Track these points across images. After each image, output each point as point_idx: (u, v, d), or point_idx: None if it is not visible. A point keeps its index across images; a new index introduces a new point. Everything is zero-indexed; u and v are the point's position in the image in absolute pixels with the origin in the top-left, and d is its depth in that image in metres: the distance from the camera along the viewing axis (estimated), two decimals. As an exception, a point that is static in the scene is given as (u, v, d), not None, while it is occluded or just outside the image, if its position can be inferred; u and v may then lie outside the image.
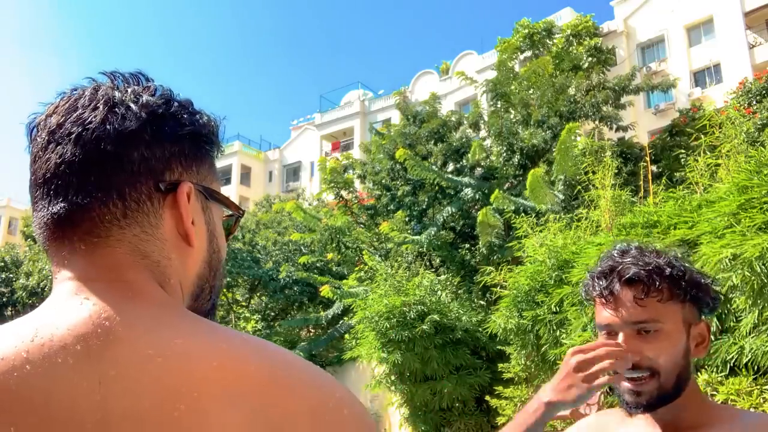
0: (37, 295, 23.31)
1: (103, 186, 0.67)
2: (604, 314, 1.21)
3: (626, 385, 1.17)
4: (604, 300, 1.22)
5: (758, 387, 4.47)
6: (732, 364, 4.55)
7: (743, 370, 4.49)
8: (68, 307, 0.63)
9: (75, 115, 0.68)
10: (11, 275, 25.03)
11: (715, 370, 4.67)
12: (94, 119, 0.67)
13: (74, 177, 0.66)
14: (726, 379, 4.61)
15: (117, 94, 0.70)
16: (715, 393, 4.61)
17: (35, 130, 0.70)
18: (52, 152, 0.67)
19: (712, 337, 4.69)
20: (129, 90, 0.71)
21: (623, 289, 1.19)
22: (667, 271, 1.19)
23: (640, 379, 1.16)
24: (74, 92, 0.71)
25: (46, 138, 0.68)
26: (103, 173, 0.67)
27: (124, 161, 0.67)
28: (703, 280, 1.23)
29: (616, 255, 1.25)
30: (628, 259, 1.22)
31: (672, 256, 1.24)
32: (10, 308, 24.54)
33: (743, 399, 4.46)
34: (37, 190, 0.69)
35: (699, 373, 4.68)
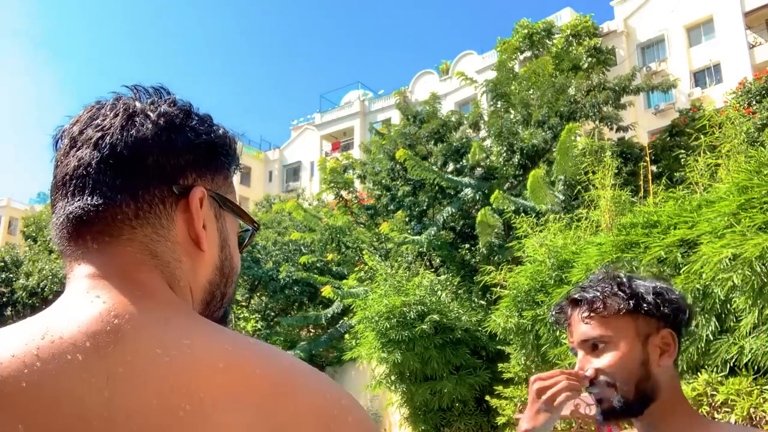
0: (37, 295, 23.31)
1: (116, 187, 0.69)
2: (569, 338, 1.32)
3: (593, 398, 1.24)
4: (564, 325, 1.33)
5: (758, 387, 4.47)
6: (732, 364, 4.56)
7: (743, 370, 4.50)
8: (79, 305, 0.64)
9: (96, 122, 0.72)
10: (11, 275, 25.01)
11: (715, 370, 4.67)
12: (113, 125, 0.71)
13: (90, 179, 0.69)
14: (726, 379, 4.61)
15: (137, 104, 0.73)
16: (715, 393, 4.62)
17: (60, 139, 0.74)
18: (72, 156, 0.70)
19: (711, 337, 4.71)
20: (149, 101, 0.75)
21: (573, 311, 1.29)
22: (609, 289, 1.26)
23: (599, 393, 1.24)
24: (98, 104, 0.75)
25: (68, 143, 0.72)
26: (118, 175, 0.69)
27: (138, 165, 0.70)
28: (654, 294, 1.27)
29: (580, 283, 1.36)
30: (584, 284, 1.32)
31: (624, 275, 1.31)
32: (10, 308, 24.53)
33: (743, 399, 4.46)
34: (56, 193, 0.72)
35: (699, 373, 4.69)
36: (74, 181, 0.69)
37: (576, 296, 1.28)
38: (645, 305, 1.25)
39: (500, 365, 9.09)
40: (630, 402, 1.21)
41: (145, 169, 0.70)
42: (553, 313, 1.35)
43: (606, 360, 1.22)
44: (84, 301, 0.64)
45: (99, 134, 0.70)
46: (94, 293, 0.65)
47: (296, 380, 0.63)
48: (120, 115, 0.71)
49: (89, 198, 0.69)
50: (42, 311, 0.65)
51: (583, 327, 1.25)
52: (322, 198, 23.02)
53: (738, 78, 19.74)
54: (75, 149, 0.71)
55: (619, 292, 1.25)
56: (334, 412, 0.62)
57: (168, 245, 0.71)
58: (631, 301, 1.24)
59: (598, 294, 1.26)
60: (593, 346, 1.24)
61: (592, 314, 1.25)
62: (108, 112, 0.72)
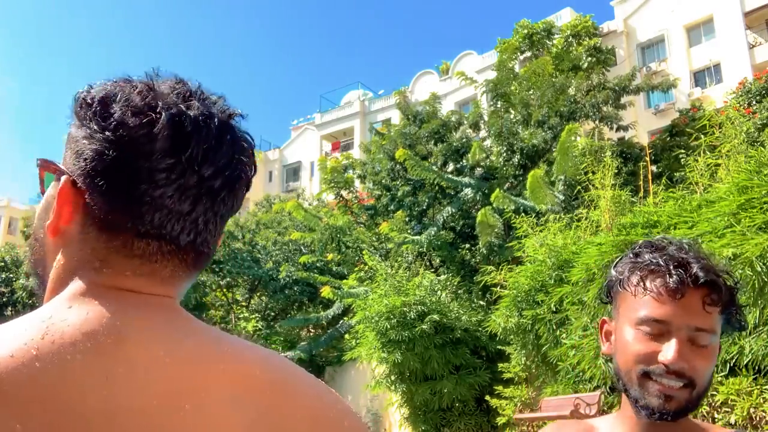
0: (37, 296, 23.27)
1: (222, 229, 0.71)
2: (663, 309, 1.05)
3: (657, 387, 1.05)
4: (665, 294, 1.06)
5: (758, 387, 4.47)
6: (732, 364, 4.56)
7: (743, 370, 4.50)
8: (81, 305, 0.64)
9: (236, 155, 0.67)
10: (11, 275, 25.05)
11: (714, 369, 4.67)
12: (248, 169, 0.69)
13: (218, 217, 0.68)
14: (726, 379, 4.62)
15: (244, 138, 0.70)
16: (715, 393, 4.62)
17: (186, 122, 0.64)
18: (212, 179, 0.65)
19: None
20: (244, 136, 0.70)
21: (691, 289, 1.05)
22: (730, 280, 1.07)
23: (674, 387, 1.05)
24: (210, 110, 0.67)
25: (203, 153, 0.64)
26: (230, 216, 0.71)
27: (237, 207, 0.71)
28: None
29: (673, 249, 1.09)
30: (694, 258, 1.07)
31: (724, 264, 1.12)
32: (10, 308, 24.56)
33: (743, 399, 4.46)
34: (166, 189, 0.63)
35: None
36: (206, 212, 0.66)
37: (706, 277, 1.04)
38: (735, 310, 1.08)
39: (500, 365, 9.10)
40: (694, 406, 1.05)
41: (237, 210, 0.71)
42: (669, 275, 1.05)
43: (706, 362, 1.05)
44: (87, 302, 0.64)
45: (240, 173, 0.68)
46: (100, 297, 0.64)
47: (295, 383, 0.65)
48: (246, 157, 0.69)
49: (211, 233, 0.68)
50: (42, 308, 0.65)
51: (700, 313, 1.04)
52: (322, 198, 23.03)
53: (738, 78, 19.74)
54: (212, 173, 0.64)
55: (732, 287, 1.07)
56: (330, 416, 0.64)
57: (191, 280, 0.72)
58: (733, 302, 1.08)
59: (722, 284, 1.05)
60: (695, 338, 1.05)
61: (717, 303, 1.05)
62: (238, 146, 0.68)
